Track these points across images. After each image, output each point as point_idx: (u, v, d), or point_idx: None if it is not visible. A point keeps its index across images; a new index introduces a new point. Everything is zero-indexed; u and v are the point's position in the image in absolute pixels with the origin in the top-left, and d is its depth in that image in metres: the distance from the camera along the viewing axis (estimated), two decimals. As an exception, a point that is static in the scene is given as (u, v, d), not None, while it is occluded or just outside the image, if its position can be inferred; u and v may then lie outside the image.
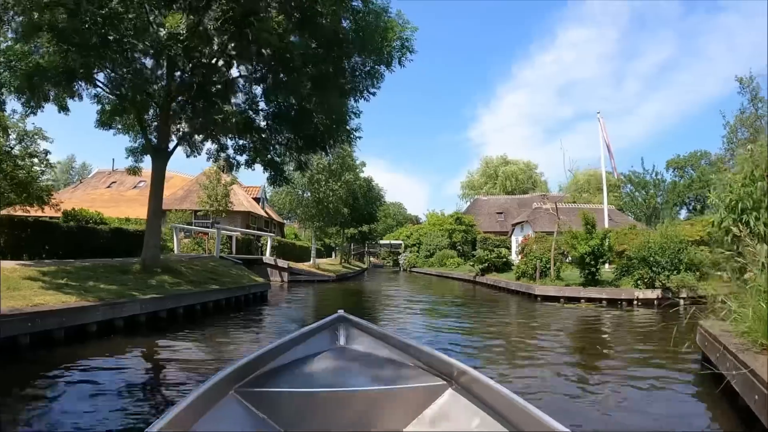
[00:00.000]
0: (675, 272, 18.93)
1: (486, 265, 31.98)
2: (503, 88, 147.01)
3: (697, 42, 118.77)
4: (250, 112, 16.33)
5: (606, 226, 28.29)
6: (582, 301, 19.52)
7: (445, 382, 3.53)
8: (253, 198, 44.82)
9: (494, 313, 17.61)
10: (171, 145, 16.04)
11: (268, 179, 18.22)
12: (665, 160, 76.67)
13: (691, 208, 71.71)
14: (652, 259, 19.31)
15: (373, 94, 15.90)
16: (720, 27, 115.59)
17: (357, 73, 15.31)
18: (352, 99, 16.38)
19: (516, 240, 53.77)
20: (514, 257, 45.17)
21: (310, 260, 35.94)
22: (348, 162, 33.30)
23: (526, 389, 6.53)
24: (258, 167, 17.89)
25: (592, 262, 20.13)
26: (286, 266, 29.33)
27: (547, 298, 20.25)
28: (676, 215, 64.02)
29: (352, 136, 16.86)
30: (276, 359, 3.90)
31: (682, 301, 18.13)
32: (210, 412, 2.97)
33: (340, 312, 4.77)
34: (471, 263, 35.29)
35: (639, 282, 19.41)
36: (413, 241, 60.01)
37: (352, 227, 47.04)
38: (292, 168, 19.64)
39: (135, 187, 43.43)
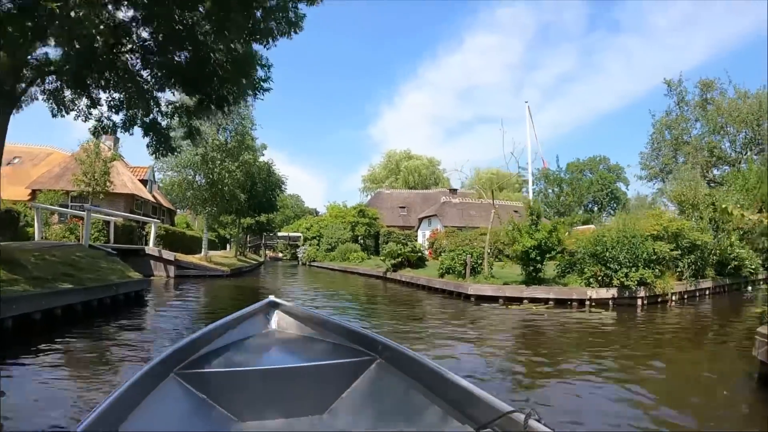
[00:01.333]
0: (633, 269, 16.84)
1: (399, 260, 28.96)
2: (407, 87, 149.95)
3: (596, 58, 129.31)
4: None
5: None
6: (525, 301, 17.08)
7: (371, 357, 3.77)
8: (139, 180, 39.58)
9: (426, 318, 14.51)
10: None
11: (148, 147, 14.34)
12: (564, 163, 78.16)
13: (588, 207, 73.14)
14: (608, 255, 17.10)
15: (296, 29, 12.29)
16: (619, 46, 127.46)
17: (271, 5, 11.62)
18: (262, 45, 12.76)
19: (423, 234, 51.58)
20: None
21: (201, 252, 31.35)
22: (247, 141, 29.02)
23: None
24: (140, 133, 14.05)
25: (538, 258, 17.67)
26: (172, 259, 24.95)
27: (482, 299, 17.58)
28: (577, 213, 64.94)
29: (258, 87, 13.08)
30: (211, 343, 4.06)
31: (639, 301, 17.03)
32: (152, 394, 3.05)
33: (271, 297, 5.06)
34: (381, 258, 31.93)
35: (591, 280, 17.27)
36: (313, 234, 56.17)
37: (249, 216, 42.76)
38: (180, 135, 15.69)
39: (9, 163, 37.12)
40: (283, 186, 41.20)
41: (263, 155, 35.36)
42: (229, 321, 4.40)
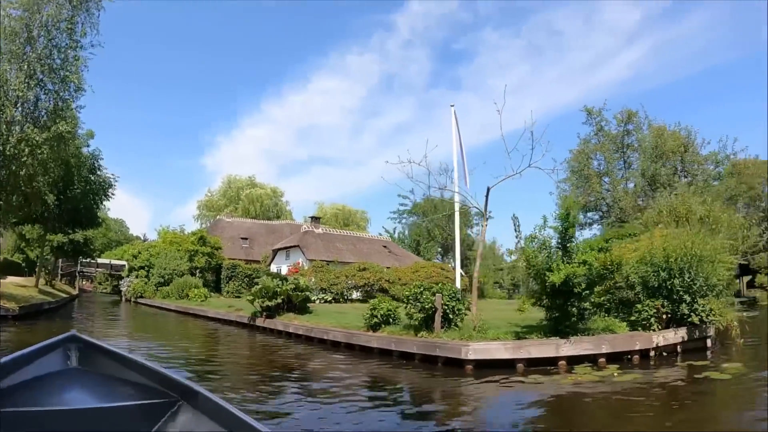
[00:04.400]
0: (703, 299, 13.07)
1: (277, 301, 20.64)
2: (248, 121, 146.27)
3: (433, 112, 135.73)
4: None
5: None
6: (561, 363, 10.92)
7: (174, 399, 3.61)
8: None
9: None
10: None
11: None
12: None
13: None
14: (677, 282, 12.72)
15: None
16: (455, 103, 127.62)
17: None
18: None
19: (278, 269, 43.34)
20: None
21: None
22: (65, 111, 19.02)
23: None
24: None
25: (585, 292, 11.61)
26: None
27: (486, 365, 10.50)
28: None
29: None
30: (1, 381, 3.66)
31: (709, 341, 13.61)
32: None
33: (73, 332, 4.58)
34: (249, 297, 22.78)
35: (652, 320, 12.60)
36: (141, 263, 44.57)
37: (61, 232, 31.67)
38: None
39: None
40: (110, 192, 30.18)
41: (87, 145, 25.51)
42: (22, 356, 3.92)
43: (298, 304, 21.47)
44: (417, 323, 12.90)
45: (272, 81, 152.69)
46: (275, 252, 45.19)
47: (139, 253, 45.98)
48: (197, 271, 42.47)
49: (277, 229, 60.08)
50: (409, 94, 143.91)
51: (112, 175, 30.13)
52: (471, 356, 10.55)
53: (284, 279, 22.06)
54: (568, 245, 11.75)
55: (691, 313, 12.84)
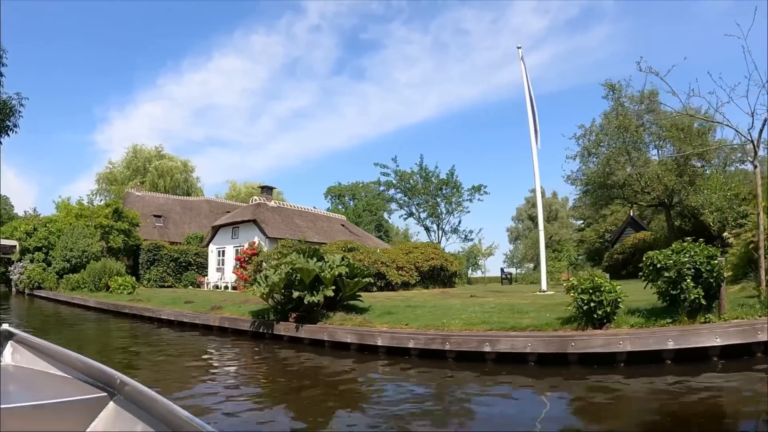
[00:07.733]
0: None
1: (328, 293, 12.38)
2: (144, 96, 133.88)
3: (334, 99, 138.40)
4: None
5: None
6: None
7: (108, 393, 3.29)
8: None
9: None
10: None
11: None
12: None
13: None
14: None
15: None
16: (357, 92, 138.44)
17: None
18: None
19: (219, 251, 34.41)
20: (215, 277, 33.97)
21: None
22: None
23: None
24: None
25: None
26: None
27: None
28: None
29: None
30: None
31: None
32: None
33: (4, 325, 4.22)
34: (263, 288, 13.25)
35: None
36: (38, 242, 33.85)
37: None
38: None
39: None
40: (12, 122, 18.79)
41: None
42: None
43: (345, 298, 13.36)
44: (698, 303, 8.53)
45: (172, 56, 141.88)
46: (216, 229, 35.75)
47: (35, 229, 34.74)
48: (107, 252, 32.80)
49: (194, 206, 52.55)
50: (311, 79, 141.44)
51: (17, 95, 19.03)
52: None
53: (321, 258, 13.50)
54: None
55: None
